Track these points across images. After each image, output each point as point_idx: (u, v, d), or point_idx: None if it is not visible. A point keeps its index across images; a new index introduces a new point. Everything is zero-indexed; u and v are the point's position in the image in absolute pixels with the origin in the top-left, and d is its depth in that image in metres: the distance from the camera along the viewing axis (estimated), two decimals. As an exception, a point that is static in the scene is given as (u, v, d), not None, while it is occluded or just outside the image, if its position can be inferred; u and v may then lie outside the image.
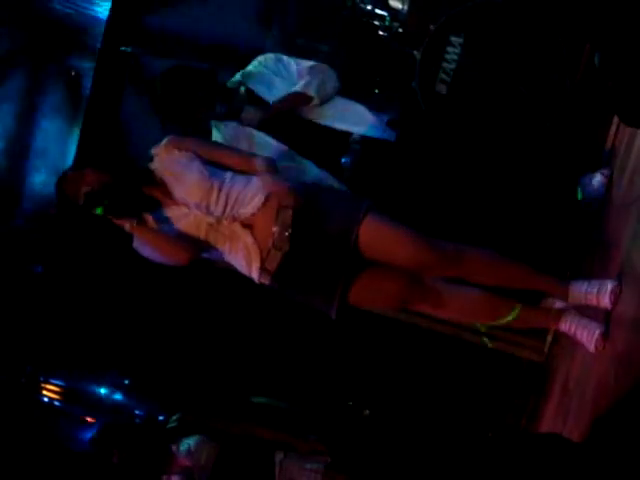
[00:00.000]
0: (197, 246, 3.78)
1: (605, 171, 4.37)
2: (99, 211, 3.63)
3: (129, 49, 5.67)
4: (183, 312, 5.64)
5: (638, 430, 2.77)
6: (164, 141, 3.85)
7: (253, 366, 5.58)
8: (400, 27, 5.05)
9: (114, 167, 3.77)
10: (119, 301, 5.78)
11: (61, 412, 5.75)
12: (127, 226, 3.71)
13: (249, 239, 3.70)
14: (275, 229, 3.68)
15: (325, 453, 4.23)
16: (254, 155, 3.92)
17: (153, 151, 3.85)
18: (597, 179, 4.37)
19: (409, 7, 5.00)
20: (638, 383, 2.92)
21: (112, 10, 5.69)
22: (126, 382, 5.89)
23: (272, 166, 3.84)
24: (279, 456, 4.19)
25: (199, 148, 3.84)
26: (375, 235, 3.68)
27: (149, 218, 3.74)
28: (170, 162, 3.79)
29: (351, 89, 5.00)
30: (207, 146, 3.92)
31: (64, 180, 3.77)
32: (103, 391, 5.82)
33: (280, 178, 3.78)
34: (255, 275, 3.76)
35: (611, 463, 2.88)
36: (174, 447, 4.27)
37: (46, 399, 5.77)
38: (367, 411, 5.37)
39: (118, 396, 5.83)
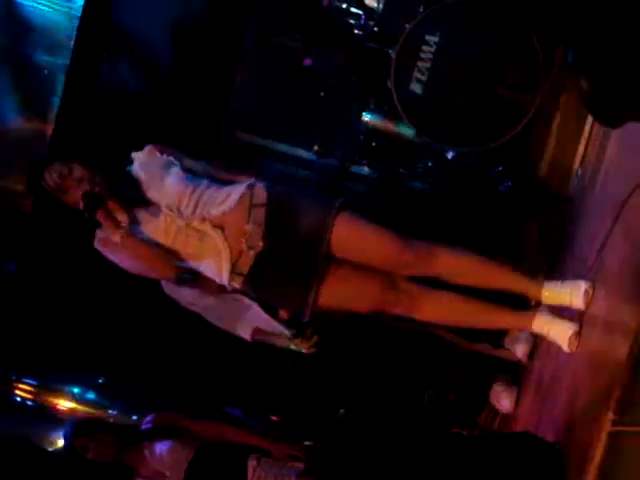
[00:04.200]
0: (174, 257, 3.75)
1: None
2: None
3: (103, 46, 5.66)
4: (158, 310, 5.61)
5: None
6: (147, 147, 3.80)
7: (228, 367, 5.57)
8: (375, 26, 5.05)
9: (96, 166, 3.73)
10: (92, 299, 5.75)
11: (35, 411, 5.72)
12: (117, 237, 3.63)
13: (220, 239, 3.66)
14: (248, 227, 3.65)
15: (300, 458, 4.20)
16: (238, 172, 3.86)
17: (134, 155, 3.80)
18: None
19: (384, 6, 5.00)
20: (611, 382, 2.92)
21: (85, 7, 5.66)
22: (100, 381, 5.86)
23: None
24: (252, 462, 4.16)
25: (183, 159, 3.80)
26: (348, 234, 3.66)
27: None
28: (149, 162, 3.75)
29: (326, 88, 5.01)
30: (190, 161, 3.84)
31: (48, 170, 3.66)
32: (76, 390, 5.78)
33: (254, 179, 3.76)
34: (225, 278, 3.71)
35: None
36: (146, 451, 4.24)
37: (19, 398, 5.73)
38: (342, 410, 5.36)
39: (91, 395, 5.79)
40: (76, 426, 4.43)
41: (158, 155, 3.78)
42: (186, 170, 3.77)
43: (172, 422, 4.42)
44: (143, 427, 4.41)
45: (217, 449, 4.27)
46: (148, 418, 4.45)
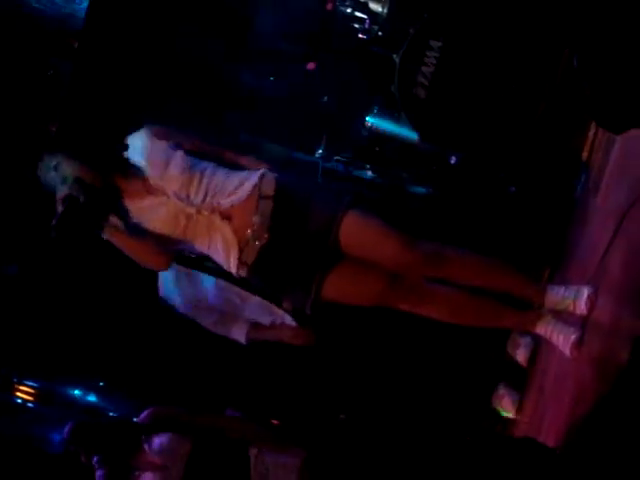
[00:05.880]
0: (172, 246, 3.74)
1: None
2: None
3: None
4: (159, 312, 5.62)
5: (613, 435, 2.77)
6: (144, 130, 3.76)
7: (230, 371, 5.56)
8: (380, 30, 5.05)
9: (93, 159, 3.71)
10: (94, 302, 5.74)
11: (34, 413, 5.72)
12: (105, 233, 3.67)
13: (227, 230, 3.66)
14: (255, 219, 3.65)
15: (300, 448, 4.20)
16: (243, 154, 3.86)
17: (129, 140, 3.75)
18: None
19: (389, 10, 5.00)
20: (614, 387, 2.92)
21: (90, 7, 5.66)
22: (100, 384, 5.86)
23: (261, 162, 3.80)
24: (254, 451, 4.17)
25: (186, 141, 3.77)
26: (356, 232, 3.66)
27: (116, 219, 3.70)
28: (150, 149, 3.71)
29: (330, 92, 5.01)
30: (195, 141, 3.82)
31: (40, 162, 3.69)
32: (77, 392, 5.78)
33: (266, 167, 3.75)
34: (233, 267, 3.72)
35: (586, 468, 2.88)
36: (145, 445, 4.24)
37: (19, 400, 5.72)
38: (343, 415, 5.35)
39: (92, 397, 5.79)
40: (74, 428, 4.42)
41: (158, 141, 3.73)
42: (188, 153, 3.72)
43: (170, 415, 4.42)
44: (140, 421, 4.40)
45: (218, 439, 4.27)
46: (145, 413, 4.44)
